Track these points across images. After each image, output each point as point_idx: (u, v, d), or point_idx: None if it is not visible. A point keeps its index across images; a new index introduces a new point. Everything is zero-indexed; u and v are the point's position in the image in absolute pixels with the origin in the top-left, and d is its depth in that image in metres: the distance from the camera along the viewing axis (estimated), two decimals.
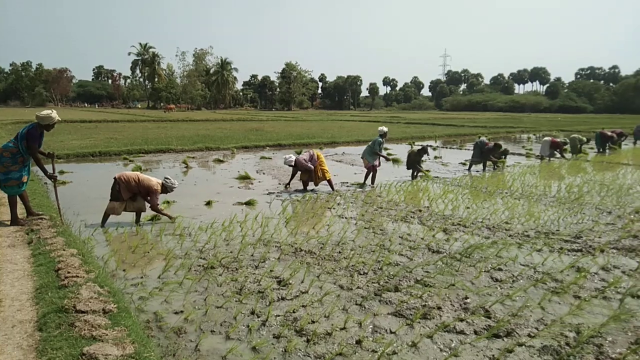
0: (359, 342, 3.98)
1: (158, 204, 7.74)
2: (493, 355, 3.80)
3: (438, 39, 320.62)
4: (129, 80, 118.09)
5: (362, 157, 11.98)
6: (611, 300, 4.93)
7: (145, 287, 5.11)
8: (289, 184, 11.20)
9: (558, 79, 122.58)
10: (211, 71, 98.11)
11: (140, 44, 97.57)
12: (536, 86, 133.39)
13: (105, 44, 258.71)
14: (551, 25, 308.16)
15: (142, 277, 5.44)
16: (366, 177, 11.82)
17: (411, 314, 4.48)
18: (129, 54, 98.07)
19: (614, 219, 8.42)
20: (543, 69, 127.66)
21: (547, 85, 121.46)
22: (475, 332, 4.19)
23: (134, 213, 7.84)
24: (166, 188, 7.82)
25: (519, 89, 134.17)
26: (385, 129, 11.92)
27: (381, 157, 11.86)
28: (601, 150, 20.13)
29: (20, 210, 7.12)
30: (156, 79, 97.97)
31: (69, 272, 4.48)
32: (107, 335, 3.31)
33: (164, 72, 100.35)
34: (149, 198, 7.60)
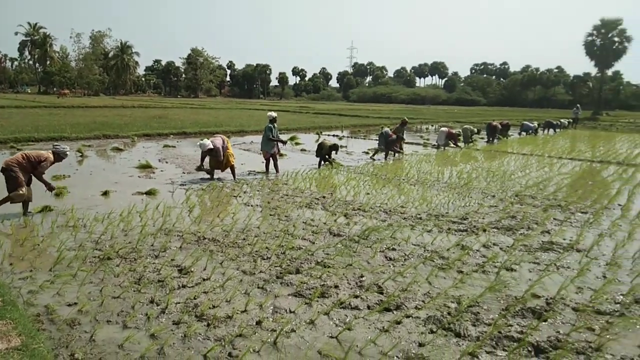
0: (259, 322, 4.11)
1: (44, 174, 7.50)
2: (383, 327, 4.10)
3: (345, 30, 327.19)
4: (16, 63, 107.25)
5: (261, 150, 11.95)
6: (489, 274, 5.49)
7: (35, 281, 4.84)
8: (201, 165, 10.84)
9: (455, 74, 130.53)
10: (110, 55, 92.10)
11: (29, 23, 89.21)
12: (435, 80, 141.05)
13: None
14: (449, 21, 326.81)
15: (31, 271, 5.12)
16: (267, 167, 11.86)
17: (310, 294, 4.69)
18: (17, 33, 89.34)
19: (496, 201, 9.28)
20: (442, 64, 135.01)
21: (445, 79, 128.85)
22: (369, 307, 4.49)
23: (21, 204, 7.31)
24: (59, 155, 7.55)
25: (420, 82, 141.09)
26: (274, 114, 11.91)
27: (278, 143, 11.82)
28: (490, 139, 21.92)
29: None
30: (48, 62, 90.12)
31: None
32: None
33: (57, 54, 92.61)
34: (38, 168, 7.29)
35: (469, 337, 3.98)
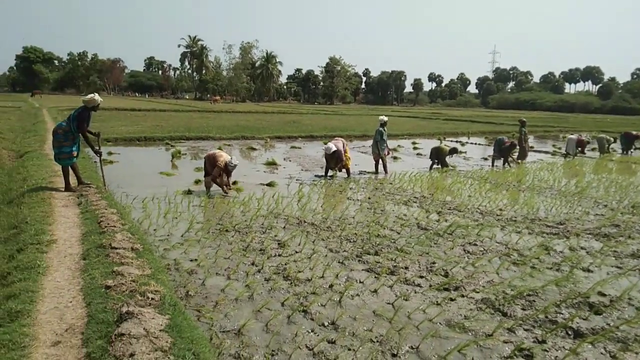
0: (331, 286, 4.93)
1: (216, 177, 9.21)
2: (436, 301, 4.65)
3: (487, 34, 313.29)
4: (178, 72, 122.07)
5: (372, 152, 12.75)
6: (563, 272, 5.63)
7: (170, 242, 6.24)
8: (328, 172, 11.91)
9: (612, 79, 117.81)
10: (256, 64, 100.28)
11: (189, 36, 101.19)
12: (588, 86, 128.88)
13: (157, 35, 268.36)
14: (608, 23, 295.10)
15: (168, 235, 6.56)
16: (377, 168, 12.61)
17: (381, 270, 5.38)
18: (179, 46, 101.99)
19: (606, 211, 8.93)
20: (596, 68, 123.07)
21: (600, 85, 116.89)
22: (430, 286, 5.05)
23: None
24: (227, 166, 9.26)
25: (570, 88, 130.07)
26: (385, 118, 12.54)
27: (385, 146, 12.40)
28: (625, 151, 20.05)
29: (72, 180, 8.41)
30: (204, 71, 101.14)
31: (108, 224, 5.63)
32: (132, 262, 4.40)
33: (212, 64, 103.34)
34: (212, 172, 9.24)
35: (514, 317, 4.36)
